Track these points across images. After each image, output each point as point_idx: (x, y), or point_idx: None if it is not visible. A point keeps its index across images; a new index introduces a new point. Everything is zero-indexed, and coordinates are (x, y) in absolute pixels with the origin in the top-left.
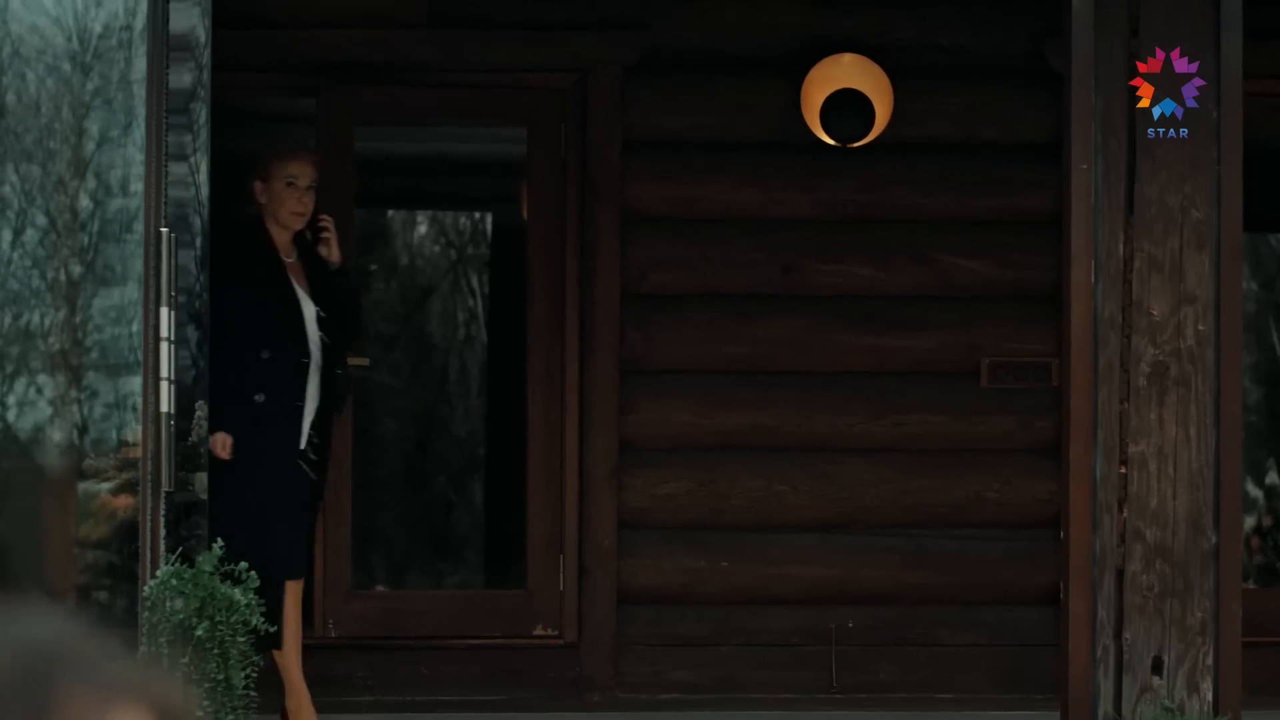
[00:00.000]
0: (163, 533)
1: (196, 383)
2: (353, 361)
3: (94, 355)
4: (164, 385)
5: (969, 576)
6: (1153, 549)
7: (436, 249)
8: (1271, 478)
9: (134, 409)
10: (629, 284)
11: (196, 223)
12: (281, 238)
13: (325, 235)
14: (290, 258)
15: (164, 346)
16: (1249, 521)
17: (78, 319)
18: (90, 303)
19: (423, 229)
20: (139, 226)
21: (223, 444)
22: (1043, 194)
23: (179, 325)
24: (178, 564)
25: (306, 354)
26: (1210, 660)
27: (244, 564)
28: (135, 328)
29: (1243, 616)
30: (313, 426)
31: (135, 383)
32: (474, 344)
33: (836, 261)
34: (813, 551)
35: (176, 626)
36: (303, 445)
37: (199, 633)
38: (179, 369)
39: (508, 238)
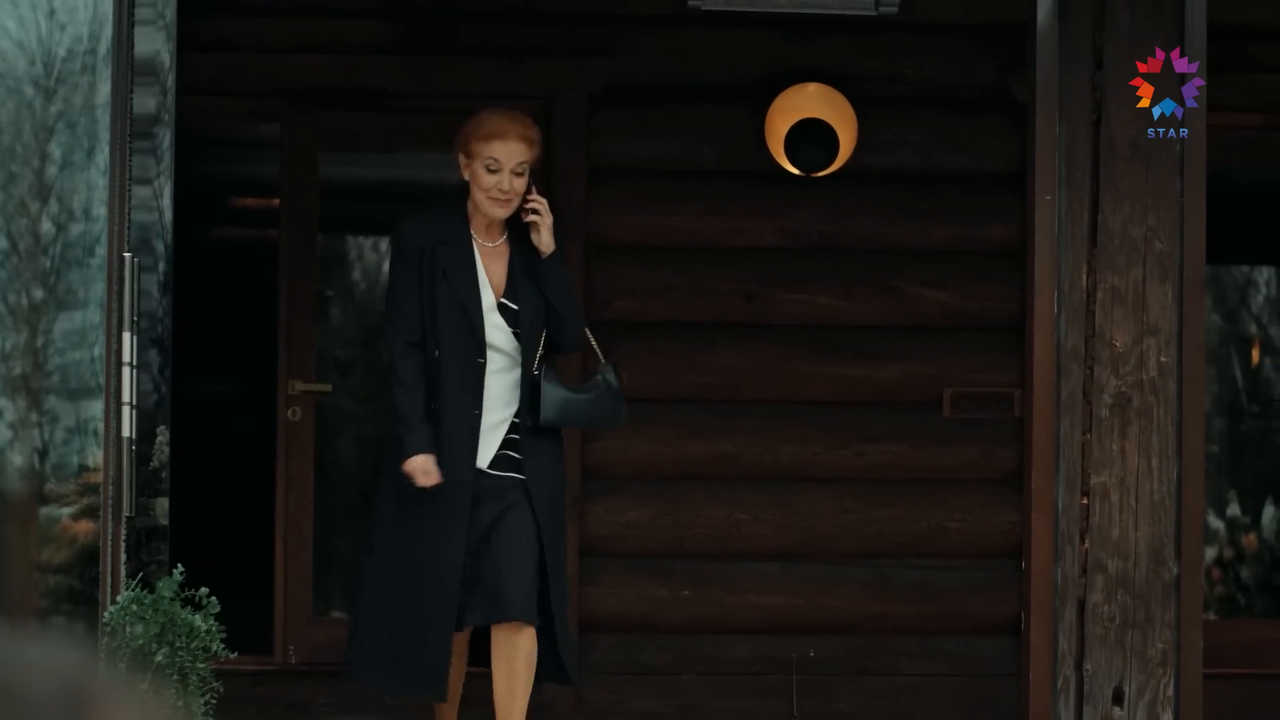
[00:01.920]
0: (123, 558)
1: (158, 407)
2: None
3: (55, 379)
4: (125, 410)
5: (931, 606)
6: (1114, 580)
7: None
8: (1233, 509)
9: (95, 433)
10: (593, 312)
11: (159, 247)
12: (481, 220)
13: (535, 220)
14: (493, 241)
15: (126, 371)
16: (1210, 553)
17: (39, 343)
18: (51, 327)
19: (382, 255)
20: (101, 251)
21: (423, 468)
22: (1007, 224)
23: (141, 349)
24: (138, 589)
25: (482, 353)
26: (1171, 691)
27: (204, 589)
28: (97, 352)
29: (1204, 648)
30: (508, 444)
31: (96, 407)
32: None
33: (800, 290)
34: (774, 580)
35: (136, 652)
36: (483, 463)
37: (158, 659)
38: (141, 394)
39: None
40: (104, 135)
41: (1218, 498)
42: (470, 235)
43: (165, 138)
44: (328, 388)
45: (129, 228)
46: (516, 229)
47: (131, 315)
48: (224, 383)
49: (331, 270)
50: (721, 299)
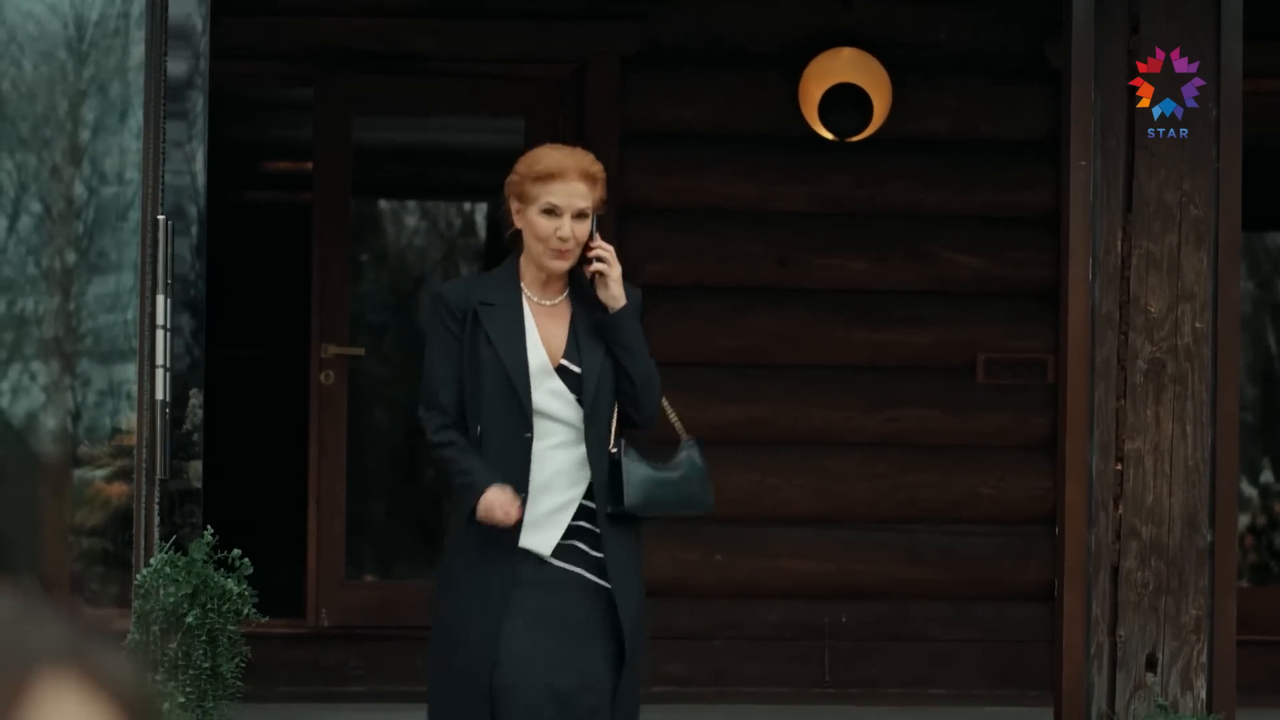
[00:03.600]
0: (157, 520)
1: (191, 371)
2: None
3: (88, 343)
4: (159, 373)
5: (963, 572)
6: (1148, 546)
7: (429, 239)
8: (1266, 476)
9: (128, 396)
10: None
11: (193, 211)
12: (535, 275)
13: (600, 270)
14: (550, 298)
15: (160, 334)
16: (1243, 520)
17: (71, 306)
18: (84, 290)
19: (415, 218)
20: (134, 214)
21: (500, 503)
22: (1041, 190)
23: (174, 313)
24: (171, 552)
25: (528, 426)
26: (1204, 658)
27: (237, 551)
28: (130, 315)
29: (1237, 615)
30: (577, 533)
31: (129, 370)
32: None
33: (833, 255)
34: (807, 545)
35: (168, 614)
36: (545, 548)
37: (189, 620)
38: (174, 357)
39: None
40: (137, 99)
41: (1251, 465)
42: (521, 293)
43: (198, 101)
44: (360, 351)
45: (162, 191)
46: (581, 284)
47: (165, 278)
48: (257, 347)
49: (364, 234)
50: (754, 263)
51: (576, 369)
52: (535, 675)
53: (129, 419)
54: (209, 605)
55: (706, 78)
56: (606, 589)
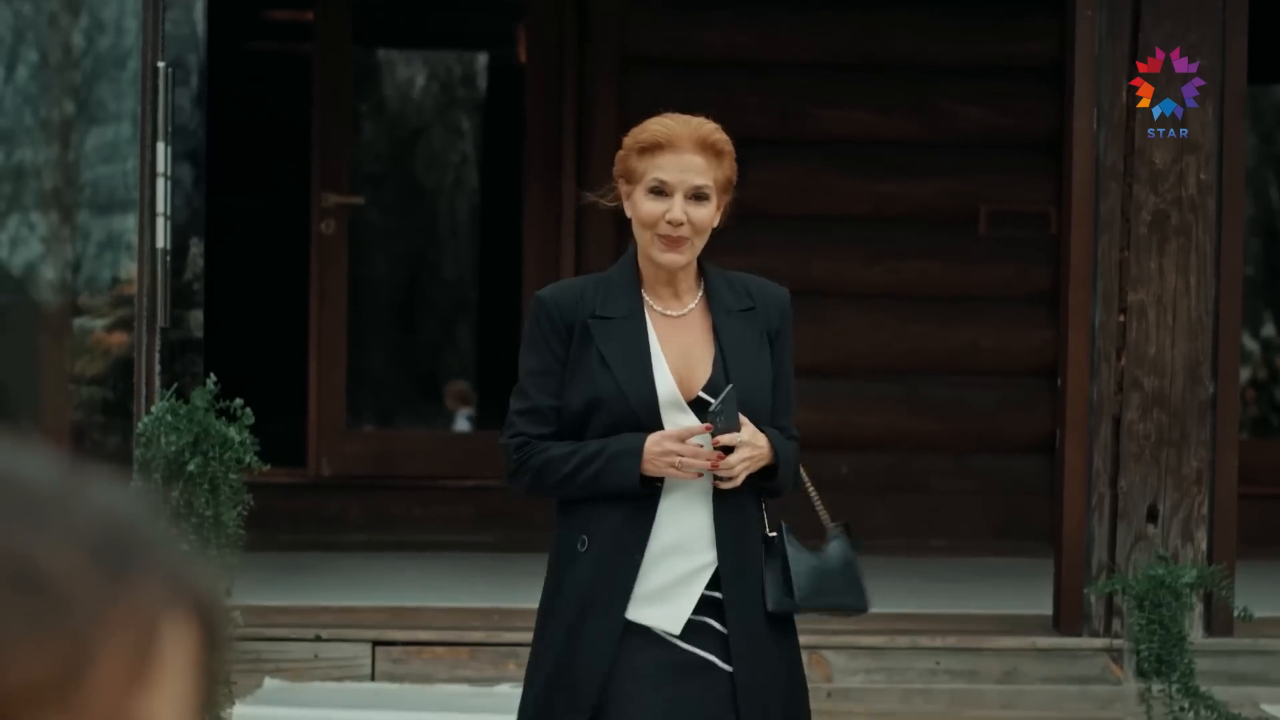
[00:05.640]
0: (158, 369)
1: (191, 221)
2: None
3: (87, 193)
4: (160, 221)
5: (963, 424)
6: (1150, 397)
7: (429, 89)
8: (1268, 331)
9: (127, 247)
10: (627, 127)
11: (193, 60)
12: (656, 275)
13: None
14: (678, 307)
15: (160, 182)
16: (1244, 374)
17: (70, 157)
18: (83, 141)
19: (415, 68)
20: (133, 64)
21: (656, 440)
22: (1045, 41)
23: (174, 163)
24: (172, 400)
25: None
26: (1205, 510)
27: (239, 400)
28: (129, 165)
29: (1237, 467)
30: (710, 606)
31: (128, 221)
32: (465, 187)
33: (836, 107)
34: (807, 397)
35: (169, 462)
36: (674, 627)
37: (191, 468)
38: (174, 207)
39: (503, 79)
40: None
41: (1253, 319)
42: (643, 302)
43: None
44: (360, 200)
45: (162, 39)
46: (717, 286)
47: (165, 126)
48: (257, 196)
49: (364, 83)
50: (756, 114)
51: (715, 401)
52: None
53: (129, 269)
54: (210, 453)
55: None
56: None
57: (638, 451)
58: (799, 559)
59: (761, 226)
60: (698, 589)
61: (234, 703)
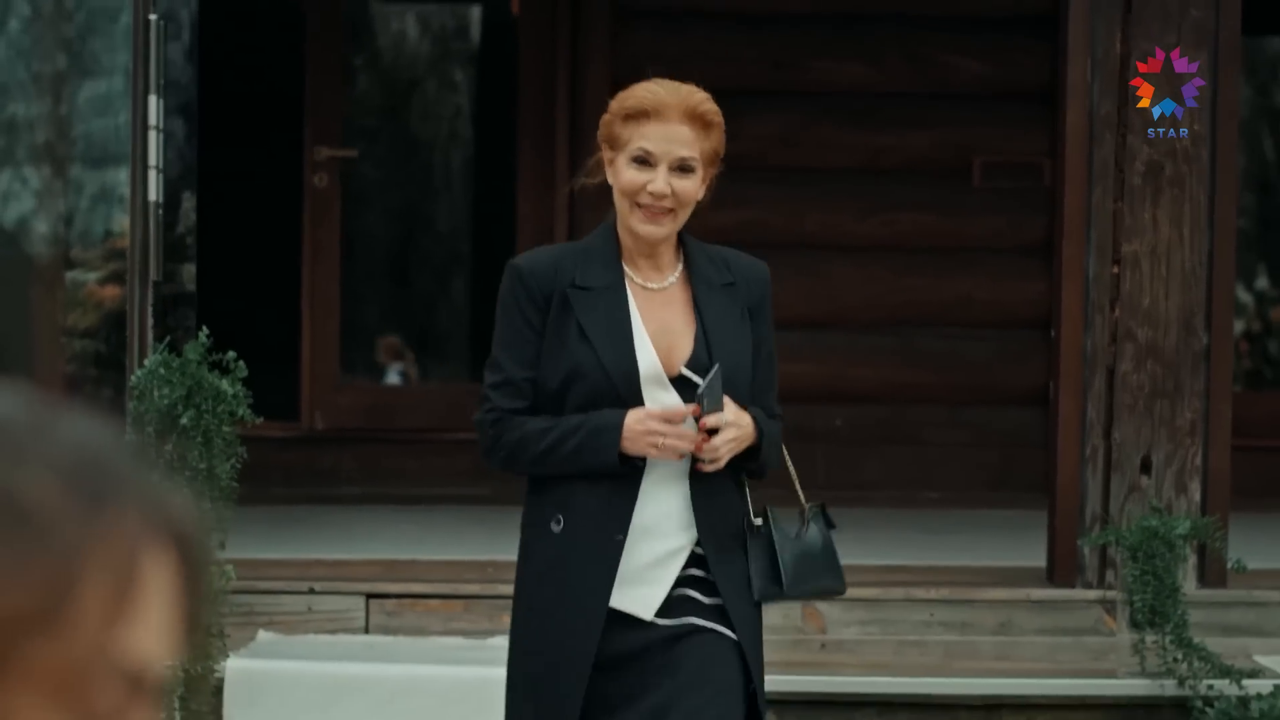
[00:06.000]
0: (150, 322)
1: (184, 175)
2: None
3: (80, 147)
4: (152, 174)
5: (957, 376)
6: (1144, 349)
7: (422, 42)
8: (1261, 283)
9: (120, 201)
10: (620, 79)
11: (185, 14)
12: (636, 246)
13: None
14: (659, 279)
15: (152, 135)
16: (1238, 326)
17: (63, 110)
18: (75, 94)
19: (408, 21)
20: (125, 17)
21: (638, 418)
22: None
23: (167, 117)
24: (165, 353)
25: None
26: (1199, 461)
27: (232, 353)
28: (121, 119)
29: (1231, 419)
30: (688, 582)
31: (121, 175)
32: (459, 140)
33: (830, 59)
34: (801, 349)
35: (162, 415)
36: (647, 612)
37: (184, 421)
38: (167, 161)
39: (496, 32)
40: None
41: (1247, 271)
42: (623, 273)
43: None
44: (353, 154)
45: None
46: (697, 259)
47: (157, 79)
48: (250, 149)
49: (358, 36)
50: (749, 66)
51: (700, 380)
52: None
53: (121, 223)
54: (203, 406)
55: None
56: (733, 640)
57: (618, 428)
58: (786, 546)
59: (755, 179)
60: (673, 573)
61: (227, 655)
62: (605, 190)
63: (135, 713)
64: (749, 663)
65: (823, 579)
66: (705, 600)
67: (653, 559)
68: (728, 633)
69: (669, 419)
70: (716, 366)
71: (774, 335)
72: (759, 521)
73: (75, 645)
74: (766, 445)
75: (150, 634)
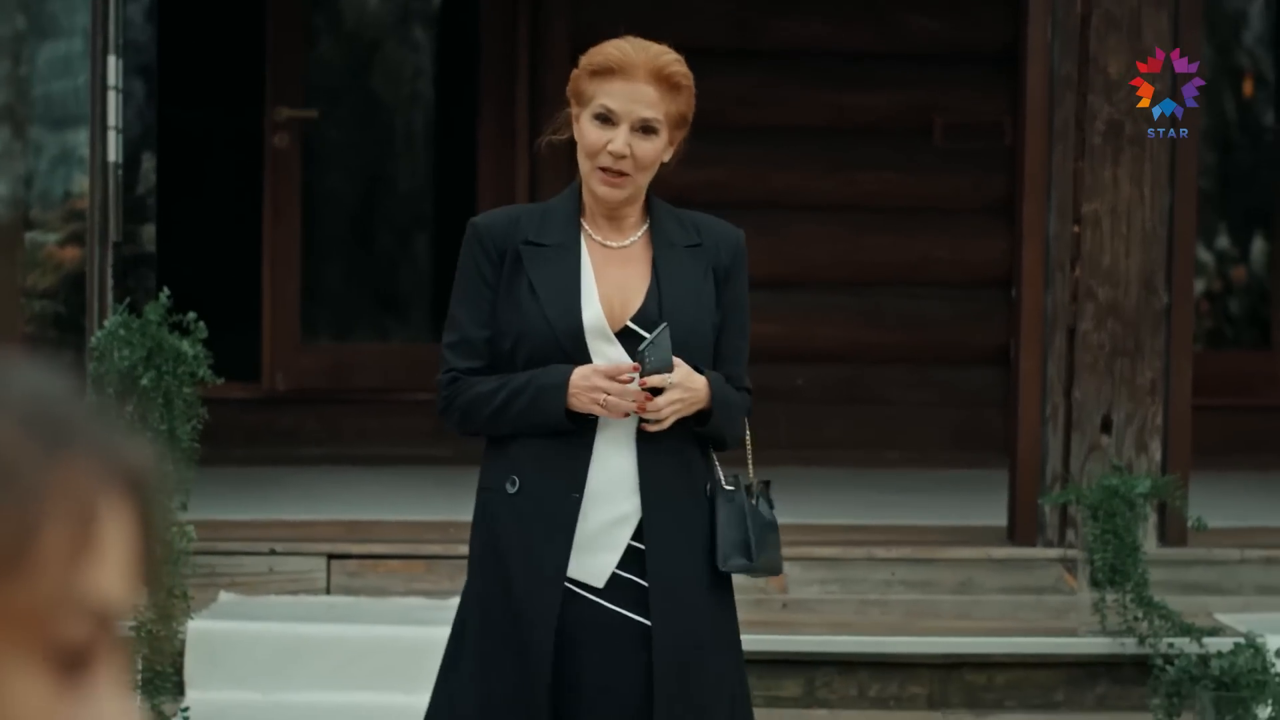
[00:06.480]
0: (110, 283)
1: (144, 135)
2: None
3: (39, 108)
4: (111, 135)
5: (920, 335)
6: (1104, 308)
7: (384, 3)
8: (1222, 242)
9: (80, 162)
10: (580, 38)
11: None
12: (597, 208)
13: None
14: (619, 238)
15: (111, 95)
16: (1199, 285)
17: (22, 71)
18: (35, 55)
19: None
20: None
21: (584, 374)
22: None
23: (127, 78)
24: (125, 314)
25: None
26: (1159, 420)
27: (192, 314)
28: (81, 80)
29: (1191, 378)
30: (635, 560)
31: (80, 136)
32: (421, 101)
33: (793, 18)
34: (764, 309)
35: (123, 377)
36: (598, 580)
37: (144, 382)
38: (126, 122)
39: None
40: None
41: (1208, 231)
42: (580, 231)
43: None
44: (314, 114)
45: None
46: (663, 221)
47: (116, 39)
48: (210, 109)
49: None
50: (710, 24)
51: (648, 335)
52: None
53: (81, 184)
54: (164, 368)
55: None
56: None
57: (564, 385)
58: (756, 516)
59: (718, 138)
60: (623, 540)
61: (190, 616)
62: (568, 151)
63: (101, 651)
64: (655, 654)
65: (774, 556)
66: (640, 582)
67: (604, 523)
68: (645, 621)
69: (614, 375)
70: (664, 325)
71: (749, 308)
72: (730, 488)
73: (40, 586)
74: (719, 410)
75: (112, 574)
